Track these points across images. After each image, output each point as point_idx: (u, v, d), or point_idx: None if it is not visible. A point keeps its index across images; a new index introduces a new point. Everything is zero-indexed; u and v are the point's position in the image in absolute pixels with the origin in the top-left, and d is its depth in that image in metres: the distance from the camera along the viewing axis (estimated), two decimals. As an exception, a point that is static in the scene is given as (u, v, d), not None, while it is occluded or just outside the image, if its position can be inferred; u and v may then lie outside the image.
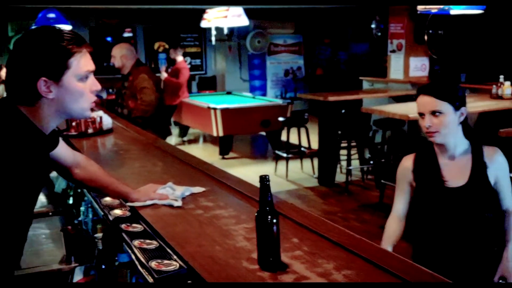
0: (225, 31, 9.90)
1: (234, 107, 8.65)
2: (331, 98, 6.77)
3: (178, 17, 11.66)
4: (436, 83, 2.35)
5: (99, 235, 2.07)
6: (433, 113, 2.26)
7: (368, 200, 6.21)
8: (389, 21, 7.94)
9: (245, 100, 9.85)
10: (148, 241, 1.75)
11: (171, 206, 2.08)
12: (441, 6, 5.24)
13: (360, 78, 8.80)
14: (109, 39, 11.43)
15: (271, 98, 11.34)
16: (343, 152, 6.96)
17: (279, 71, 13.35)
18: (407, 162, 2.48)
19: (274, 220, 1.48)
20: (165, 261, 1.58)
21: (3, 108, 1.60)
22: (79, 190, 2.98)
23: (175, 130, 9.68)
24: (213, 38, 9.84)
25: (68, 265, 2.39)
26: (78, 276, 2.22)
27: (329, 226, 1.80)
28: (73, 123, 3.77)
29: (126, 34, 11.67)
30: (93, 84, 1.66)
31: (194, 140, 10.45)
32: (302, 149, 7.66)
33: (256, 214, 1.50)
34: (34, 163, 1.63)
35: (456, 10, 5.44)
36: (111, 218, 1.98)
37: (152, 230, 1.85)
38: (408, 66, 7.66)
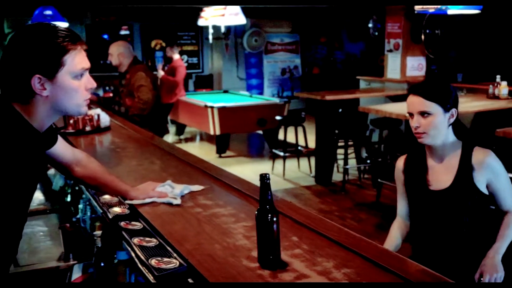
0: (222, 30, 9.89)
1: (231, 105, 8.65)
2: (328, 97, 6.78)
3: (175, 15, 11.64)
4: (426, 84, 2.32)
5: (98, 232, 2.07)
6: (422, 113, 2.24)
7: (364, 199, 6.23)
8: (386, 20, 7.95)
9: (242, 98, 9.84)
10: (147, 239, 1.75)
11: (170, 204, 2.08)
12: (439, 6, 5.25)
13: (357, 77, 8.81)
14: (105, 36, 11.40)
15: (268, 97, 11.34)
16: (340, 151, 6.97)
17: (275, 70, 13.36)
18: (400, 163, 2.49)
19: (274, 219, 1.49)
20: (165, 259, 1.58)
21: None
22: (76, 188, 2.97)
23: (171, 128, 9.66)
24: (210, 37, 9.83)
25: (67, 262, 2.39)
26: (76, 274, 2.22)
27: (328, 224, 1.81)
28: (71, 121, 3.76)
29: (122, 32, 11.64)
30: (88, 82, 1.66)
31: (191, 139, 10.44)
32: (299, 148, 7.67)
33: (256, 212, 1.50)
34: (28, 161, 1.63)
35: (453, 10, 5.45)
36: (110, 216, 1.97)
37: (151, 228, 1.85)
38: (405, 65, 7.67)
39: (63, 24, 6.95)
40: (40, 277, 2.32)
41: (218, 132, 8.40)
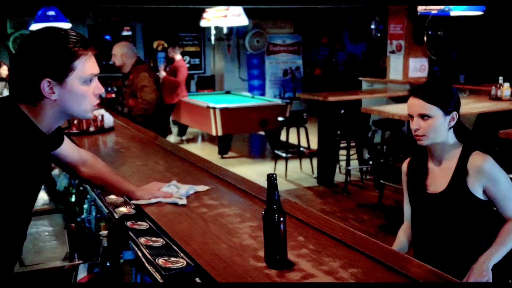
0: (225, 31, 9.90)
1: (233, 106, 8.66)
2: (331, 98, 6.79)
3: (177, 16, 11.65)
4: (427, 86, 2.28)
5: (104, 232, 2.08)
6: (422, 116, 2.22)
7: (367, 200, 6.23)
8: (388, 21, 7.96)
9: (244, 99, 9.86)
10: (154, 238, 1.75)
11: (175, 204, 2.09)
12: (442, 7, 5.25)
13: (360, 78, 8.81)
14: (107, 37, 11.42)
15: (270, 98, 11.35)
16: (342, 152, 6.98)
17: (277, 71, 13.37)
18: (404, 166, 2.48)
19: (281, 219, 1.50)
20: (172, 258, 1.58)
21: (5, 107, 1.60)
22: (81, 188, 2.98)
23: (173, 129, 9.68)
24: (212, 38, 9.84)
25: (72, 262, 2.39)
26: (82, 274, 2.22)
27: (333, 224, 1.81)
28: (75, 121, 3.78)
29: (125, 33, 11.66)
30: (96, 87, 1.66)
31: (193, 139, 10.46)
32: (301, 149, 7.67)
33: (263, 212, 1.51)
34: (34, 163, 1.63)
35: (456, 12, 5.45)
36: (116, 216, 1.98)
37: (157, 227, 1.86)
38: (407, 67, 7.68)
39: (66, 25, 6.98)
40: (45, 277, 2.33)
41: (220, 133, 8.41)
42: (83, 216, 2.76)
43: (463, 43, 9.16)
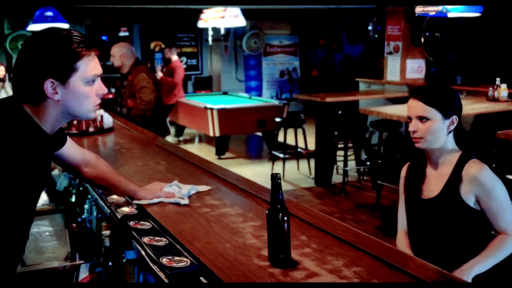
0: (222, 32, 9.91)
1: (231, 107, 8.67)
2: (329, 99, 6.80)
3: (174, 17, 11.66)
4: (427, 88, 2.25)
5: (106, 232, 2.08)
6: (420, 118, 2.19)
7: (364, 201, 6.25)
8: (386, 23, 7.99)
9: (241, 100, 9.87)
10: (157, 238, 1.76)
11: (178, 204, 2.10)
12: (439, 9, 5.28)
13: (357, 79, 8.84)
14: (104, 38, 11.41)
15: (267, 98, 11.37)
16: (340, 153, 6.99)
17: (274, 72, 13.38)
18: (403, 170, 2.44)
19: (285, 218, 1.51)
20: (176, 258, 1.59)
21: (8, 107, 1.61)
22: (81, 189, 2.99)
23: (171, 130, 9.68)
24: (210, 38, 9.85)
25: (73, 262, 2.40)
26: (83, 273, 2.23)
27: (336, 224, 1.83)
28: (74, 122, 3.78)
29: (122, 33, 11.65)
30: (99, 88, 1.67)
31: (190, 140, 10.46)
32: (299, 149, 7.68)
33: (267, 211, 1.52)
34: (37, 162, 1.64)
35: (453, 13, 5.48)
36: (119, 215, 1.99)
37: (160, 227, 1.87)
38: (404, 68, 7.71)
39: (64, 26, 6.97)
40: (47, 277, 2.34)
41: (217, 134, 8.42)
42: (83, 216, 2.77)
43: (461, 44, 9.19)
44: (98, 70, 1.65)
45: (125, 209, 2.05)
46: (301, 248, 1.62)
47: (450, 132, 2.21)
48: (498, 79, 6.23)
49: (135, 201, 2.12)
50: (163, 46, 11.92)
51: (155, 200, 2.12)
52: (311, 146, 7.52)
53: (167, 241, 1.73)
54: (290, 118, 8.07)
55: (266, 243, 1.58)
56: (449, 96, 2.22)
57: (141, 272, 1.93)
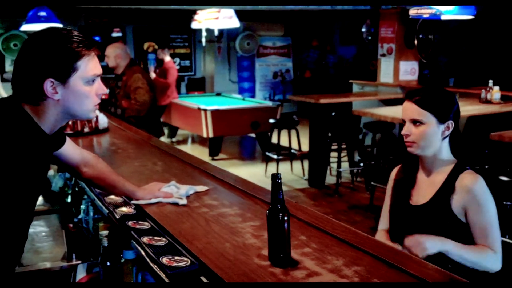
0: (216, 33, 9.92)
1: (225, 108, 8.67)
2: (323, 101, 6.83)
3: (168, 18, 11.65)
4: (423, 91, 2.15)
5: (105, 232, 2.08)
6: (414, 122, 2.11)
7: (358, 202, 6.27)
8: (379, 25, 8.04)
9: (235, 101, 9.88)
10: (156, 238, 1.76)
11: (176, 204, 2.10)
12: (433, 11, 5.31)
13: (350, 81, 8.88)
14: (97, 38, 11.37)
15: (260, 100, 11.38)
16: (333, 154, 7.02)
17: (267, 73, 13.41)
18: (393, 172, 2.38)
19: (286, 218, 1.51)
20: (176, 257, 1.60)
21: (8, 107, 1.61)
22: (76, 189, 2.98)
23: (164, 131, 9.67)
24: (203, 39, 9.85)
25: (70, 262, 2.40)
26: (81, 274, 2.23)
27: (335, 224, 1.84)
28: (69, 122, 3.76)
29: (114, 34, 11.61)
30: (99, 87, 1.68)
31: (183, 141, 10.44)
32: (293, 151, 7.70)
33: (267, 211, 1.53)
34: (35, 162, 1.64)
35: (447, 16, 5.52)
36: (117, 215, 1.99)
37: (159, 227, 1.87)
38: (398, 70, 7.76)
39: (58, 26, 6.94)
40: (44, 277, 2.33)
41: (211, 135, 8.42)
42: (80, 217, 2.76)
43: (453, 47, 9.26)
44: (98, 70, 1.66)
45: (124, 209, 2.05)
46: (301, 247, 1.63)
47: (445, 138, 2.13)
48: (490, 81, 6.28)
49: (133, 201, 2.13)
50: (156, 47, 11.91)
51: (154, 200, 2.12)
52: (305, 147, 7.54)
53: (167, 241, 1.73)
54: (284, 120, 8.09)
55: (266, 242, 1.59)
56: (446, 101, 2.14)
57: (139, 272, 1.93)
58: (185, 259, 1.58)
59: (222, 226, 1.84)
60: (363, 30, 8.88)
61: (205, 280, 1.48)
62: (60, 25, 7.20)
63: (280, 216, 1.51)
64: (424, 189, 2.17)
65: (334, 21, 12.77)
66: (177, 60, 12.24)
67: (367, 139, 6.84)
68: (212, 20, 8.61)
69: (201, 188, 2.30)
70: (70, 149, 1.97)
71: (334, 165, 7.14)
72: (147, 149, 3.31)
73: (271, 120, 7.78)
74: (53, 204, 3.22)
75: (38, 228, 2.82)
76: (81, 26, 11.28)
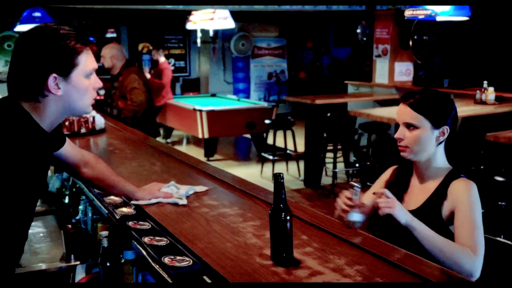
0: (211, 34, 9.92)
1: (220, 109, 8.67)
2: (318, 101, 6.84)
3: (162, 19, 11.63)
4: (417, 94, 2.06)
5: (104, 233, 2.08)
6: (408, 126, 2.03)
7: (354, 202, 6.27)
8: (375, 26, 8.07)
9: (230, 102, 9.88)
10: (157, 238, 1.76)
11: (176, 204, 2.10)
12: (428, 12, 5.34)
13: (346, 82, 8.90)
14: (92, 39, 11.34)
15: (255, 100, 11.39)
16: (329, 155, 7.03)
17: (262, 74, 13.42)
18: (388, 171, 2.30)
19: (288, 217, 1.52)
20: (178, 257, 1.59)
21: (6, 105, 1.60)
22: (74, 190, 2.98)
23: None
24: (198, 40, 9.85)
25: (68, 263, 2.39)
26: (80, 274, 2.22)
27: (335, 223, 1.84)
28: (66, 123, 3.75)
29: (109, 35, 11.58)
30: (95, 81, 1.70)
31: (178, 142, 10.43)
32: (288, 151, 7.71)
33: (270, 211, 1.53)
34: (36, 161, 1.64)
35: (442, 17, 5.54)
36: (117, 216, 1.99)
37: (160, 227, 1.87)
38: (393, 71, 7.79)
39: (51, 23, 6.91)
40: (42, 278, 2.32)
41: (206, 136, 8.41)
42: (78, 217, 2.76)
43: (448, 47, 9.30)
44: (95, 64, 1.69)
45: (124, 210, 2.05)
46: (302, 247, 1.63)
47: (439, 143, 2.05)
48: (485, 82, 6.31)
49: (133, 202, 2.12)
50: (151, 47, 11.89)
51: (154, 201, 2.12)
52: (300, 148, 7.55)
53: (168, 241, 1.73)
54: (280, 120, 8.10)
55: (267, 242, 1.60)
56: (442, 105, 2.06)
57: (139, 272, 1.93)
58: (187, 259, 1.58)
59: (223, 226, 1.85)
60: (358, 31, 8.91)
61: (208, 280, 1.48)
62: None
63: (283, 216, 1.51)
64: (416, 195, 2.10)
65: (328, 23, 12.80)
66: (172, 61, 12.23)
67: (363, 140, 6.86)
68: (207, 21, 8.60)
69: (200, 188, 2.30)
70: (70, 150, 1.97)
71: (329, 166, 7.15)
72: (145, 150, 3.30)
73: (267, 121, 7.79)
74: (50, 205, 3.21)
75: (36, 229, 2.81)
76: (76, 27, 11.23)
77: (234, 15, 8.77)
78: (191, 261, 1.57)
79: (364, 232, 1.77)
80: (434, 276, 1.42)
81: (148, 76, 9.09)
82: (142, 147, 3.40)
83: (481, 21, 8.15)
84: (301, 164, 7.33)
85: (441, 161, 2.08)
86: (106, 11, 10.97)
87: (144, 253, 1.69)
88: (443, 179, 2.04)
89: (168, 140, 10.18)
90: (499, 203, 4.32)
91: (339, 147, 6.95)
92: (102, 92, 7.14)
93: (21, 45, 1.59)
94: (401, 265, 1.48)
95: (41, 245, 2.62)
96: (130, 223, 1.91)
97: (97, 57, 5.63)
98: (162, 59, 9.47)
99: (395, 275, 1.45)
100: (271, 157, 7.46)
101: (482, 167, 4.88)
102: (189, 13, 9.19)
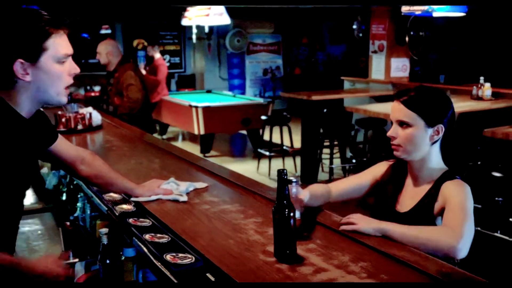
0: (206, 30, 9.88)
1: (216, 105, 8.64)
2: (315, 97, 6.83)
3: (157, 15, 11.58)
4: (412, 91, 1.98)
5: (104, 230, 2.06)
6: (401, 124, 1.96)
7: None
8: (371, 22, 8.05)
9: (225, 98, 9.84)
10: (159, 235, 1.75)
11: (176, 201, 2.08)
12: (425, 8, 5.33)
13: (342, 78, 8.89)
14: (86, 35, 11.27)
15: (251, 96, 11.36)
16: (326, 151, 7.02)
17: (258, 70, 13.39)
18: (384, 165, 2.21)
19: (291, 214, 1.51)
20: (180, 254, 1.58)
21: None
22: (71, 187, 2.95)
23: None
24: (193, 36, 9.81)
25: (67, 261, 2.36)
26: (79, 272, 2.20)
27: (337, 220, 1.83)
28: (63, 119, 3.73)
29: (103, 31, 11.51)
30: (71, 67, 1.64)
31: (173, 138, 10.40)
32: (285, 147, 7.69)
33: (273, 207, 1.52)
34: (18, 147, 1.61)
35: (439, 13, 5.54)
36: (117, 213, 1.97)
37: (161, 224, 1.85)
38: (389, 66, 7.79)
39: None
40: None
41: (202, 132, 8.38)
42: (76, 215, 2.73)
43: (444, 43, 9.31)
44: (69, 49, 1.62)
45: (123, 207, 2.03)
46: (305, 243, 1.62)
47: (434, 143, 1.96)
48: (482, 78, 6.31)
49: (133, 198, 2.11)
50: (146, 43, 11.83)
51: (153, 197, 2.11)
52: (297, 144, 7.53)
53: (169, 238, 1.72)
54: (276, 116, 8.07)
55: (270, 239, 1.59)
56: (437, 103, 1.97)
57: (140, 270, 1.92)
58: (189, 256, 1.57)
59: (225, 223, 1.83)
60: (354, 27, 8.89)
61: (211, 278, 1.46)
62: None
63: (287, 212, 1.50)
64: (409, 196, 2.03)
65: (323, 19, 12.79)
66: (167, 57, 12.18)
67: (359, 136, 6.85)
68: (203, 17, 8.55)
69: (200, 185, 2.28)
70: (64, 147, 1.93)
71: (326, 162, 7.14)
72: (142, 146, 3.28)
73: (263, 117, 7.77)
74: (47, 202, 3.19)
75: (33, 227, 2.78)
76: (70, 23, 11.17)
77: (229, 11, 8.73)
78: (194, 258, 1.55)
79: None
80: (441, 273, 1.41)
81: (143, 72, 9.05)
82: (139, 144, 3.38)
83: (478, 17, 8.15)
84: (298, 160, 7.31)
85: (436, 161, 1.99)
86: (100, 7, 10.92)
87: (145, 250, 1.67)
88: (436, 180, 1.95)
89: (164, 137, 10.14)
90: (496, 198, 4.32)
91: (335, 143, 6.94)
92: (97, 88, 7.12)
93: None
94: (406, 262, 1.47)
95: (39, 243, 2.59)
96: (131, 220, 1.90)
97: (93, 53, 5.63)
98: (157, 55, 9.42)
99: (400, 271, 1.44)
100: (267, 153, 7.44)
101: (479, 162, 4.88)
102: (184, 9, 9.14)
